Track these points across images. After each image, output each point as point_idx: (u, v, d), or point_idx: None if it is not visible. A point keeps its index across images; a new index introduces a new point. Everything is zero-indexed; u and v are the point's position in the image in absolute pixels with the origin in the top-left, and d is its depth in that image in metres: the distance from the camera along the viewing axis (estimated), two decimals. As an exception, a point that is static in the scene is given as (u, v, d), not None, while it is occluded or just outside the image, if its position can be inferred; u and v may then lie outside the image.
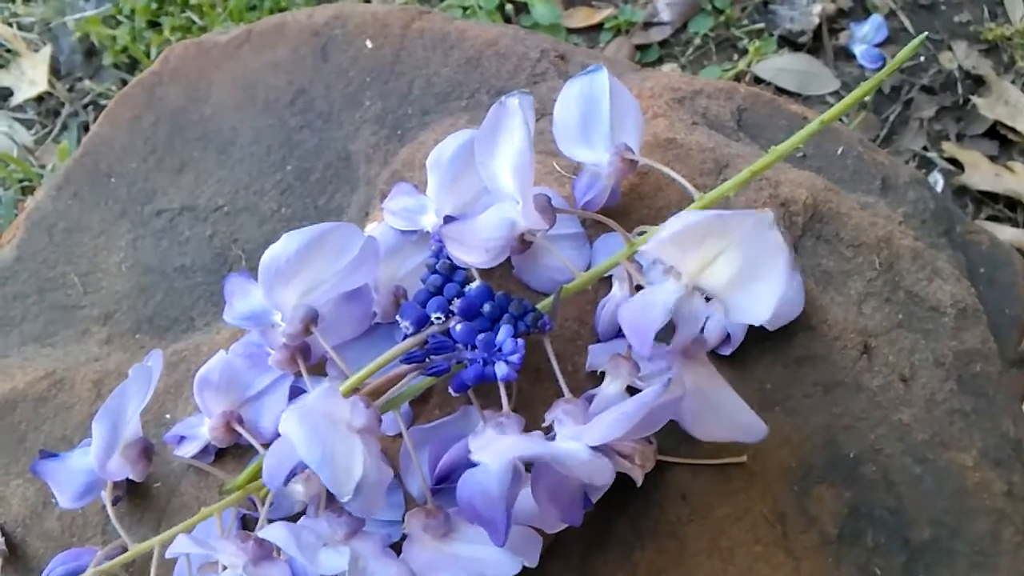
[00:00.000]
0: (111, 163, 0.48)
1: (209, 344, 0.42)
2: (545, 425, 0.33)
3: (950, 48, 0.93)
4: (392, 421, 0.36)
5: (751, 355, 0.39)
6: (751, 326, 0.38)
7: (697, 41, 0.93)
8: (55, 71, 0.91)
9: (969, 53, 0.92)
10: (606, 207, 0.40)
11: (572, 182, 0.40)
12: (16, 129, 0.89)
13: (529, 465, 0.32)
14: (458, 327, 0.33)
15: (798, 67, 0.91)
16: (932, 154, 0.89)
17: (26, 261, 0.46)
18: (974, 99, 0.90)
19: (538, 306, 0.35)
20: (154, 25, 0.91)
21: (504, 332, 0.33)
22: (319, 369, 0.38)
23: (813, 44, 0.93)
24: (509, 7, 0.91)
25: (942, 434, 0.39)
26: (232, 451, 0.39)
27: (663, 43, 0.93)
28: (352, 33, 0.49)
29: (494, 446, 0.31)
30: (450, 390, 0.34)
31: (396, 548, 0.34)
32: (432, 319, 0.34)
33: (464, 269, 0.36)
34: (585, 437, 0.30)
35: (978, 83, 0.92)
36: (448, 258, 0.35)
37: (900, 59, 0.33)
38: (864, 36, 0.92)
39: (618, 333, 0.38)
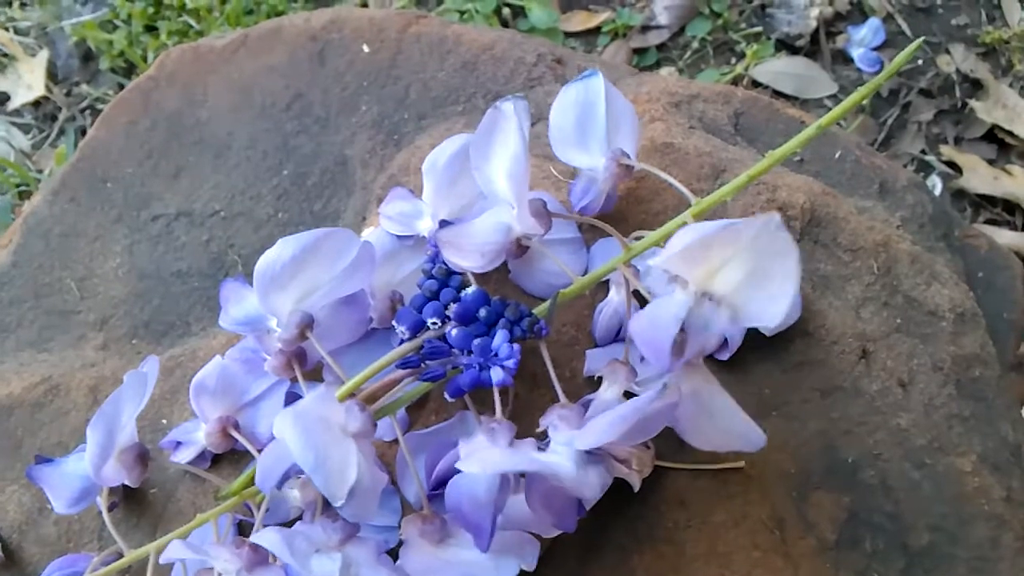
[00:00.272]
0: (107, 168, 0.48)
1: (205, 349, 0.42)
2: (540, 430, 0.33)
3: (948, 51, 0.93)
4: (388, 426, 0.36)
5: (749, 360, 0.39)
6: (748, 331, 0.38)
7: (695, 45, 0.93)
8: (52, 76, 0.91)
9: (967, 56, 0.92)
10: (603, 212, 0.39)
11: (568, 187, 0.40)
12: (13, 134, 0.89)
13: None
14: (454, 332, 0.33)
15: (796, 71, 0.91)
16: (930, 157, 0.89)
17: (22, 266, 0.46)
18: (972, 103, 0.90)
19: (535, 311, 0.35)
20: (151, 29, 0.91)
21: (500, 337, 0.33)
22: (315, 374, 0.38)
23: (811, 48, 0.93)
24: (506, 11, 0.92)
25: (941, 439, 0.39)
26: (228, 457, 0.39)
27: (660, 47, 0.93)
28: (349, 37, 0.49)
29: (480, 457, 0.30)
30: (446, 395, 0.34)
31: (393, 554, 0.34)
32: (428, 324, 0.34)
33: (460, 274, 0.35)
34: (579, 441, 0.30)
35: (976, 86, 0.92)
36: (444, 263, 0.35)
37: (898, 63, 0.33)
38: (862, 39, 0.92)
39: (615, 338, 0.38)
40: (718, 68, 0.92)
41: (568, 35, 0.92)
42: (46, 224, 0.47)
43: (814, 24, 0.93)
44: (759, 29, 0.93)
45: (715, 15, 0.94)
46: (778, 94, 0.89)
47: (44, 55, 0.91)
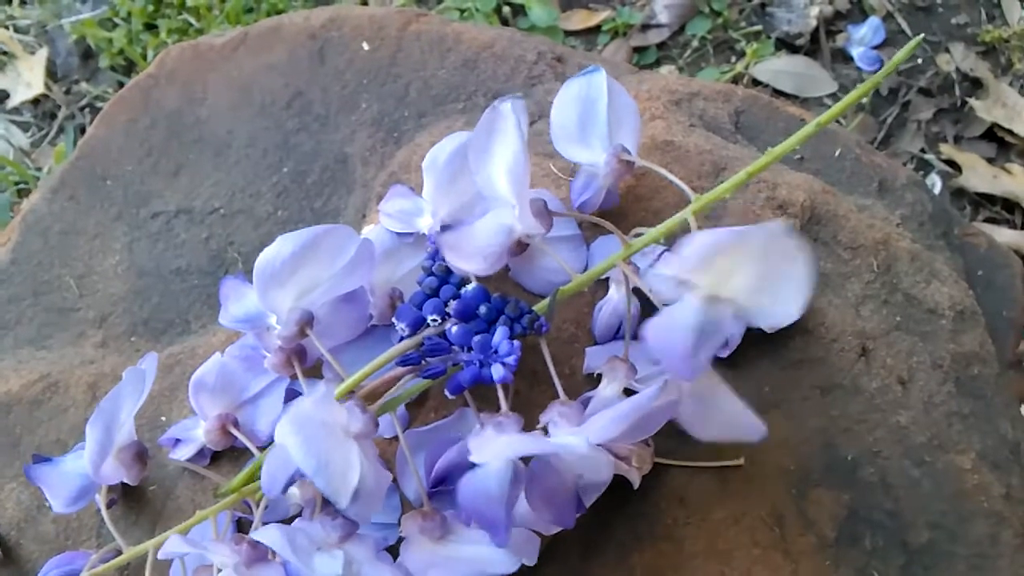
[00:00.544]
0: (107, 166, 0.48)
1: (205, 347, 0.42)
2: (540, 427, 0.33)
3: (947, 50, 0.93)
4: (388, 424, 0.36)
5: (749, 357, 0.39)
6: (748, 328, 0.38)
7: (695, 43, 0.93)
8: (51, 73, 0.91)
9: (967, 55, 0.92)
10: (603, 209, 0.39)
11: (569, 184, 0.40)
12: (12, 131, 0.89)
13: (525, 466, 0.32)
14: (454, 329, 0.33)
15: (796, 69, 0.91)
16: (930, 156, 0.89)
17: (21, 264, 0.46)
18: (971, 101, 0.90)
19: (535, 308, 0.35)
20: (151, 27, 0.91)
21: (500, 334, 0.33)
22: (315, 372, 0.38)
23: (811, 46, 0.93)
24: (506, 9, 0.91)
25: (940, 436, 0.39)
26: (228, 454, 0.39)
27: (661, 45, 0.93)
28: (348, 36, 0.49)
29: (493, 445, 0.30)
30: (446, 392, 0.34)
31: (393, 551, 0.34)
32: (428, 321, 0.34)
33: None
34: (587, 440, 0.30)
35: (976, 85, 0.92)
36: (444, 260, 0.35)
37: (896, 61, 0.33)
38: (862, 38, 0.92)
39: (615, 335, 0.38)
40: (718, 67, 0.92)
41: (568, 33, 0.92)
42: (45, 222, 0.47)
43: (814, 23, 0.93)
44: (759, 28, 0.93)
45: (715, 14, 0.94)
46: (778, 92, 0.89)
47: (43, 53, 0.91)
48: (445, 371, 0.34)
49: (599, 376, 0.36)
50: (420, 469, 0.35)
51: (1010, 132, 0.89)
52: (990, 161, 0.88)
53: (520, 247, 0.36)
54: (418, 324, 0.34)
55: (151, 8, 0.90)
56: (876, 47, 0.92)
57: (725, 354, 0.39)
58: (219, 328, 0.42)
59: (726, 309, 0.30)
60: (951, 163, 0.88)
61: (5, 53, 0.92)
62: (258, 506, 0.34)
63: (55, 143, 0.89)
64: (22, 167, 0.86)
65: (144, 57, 0.89)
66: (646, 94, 0.46)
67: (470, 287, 0.34)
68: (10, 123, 0.90)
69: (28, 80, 0.90)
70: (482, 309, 0.33)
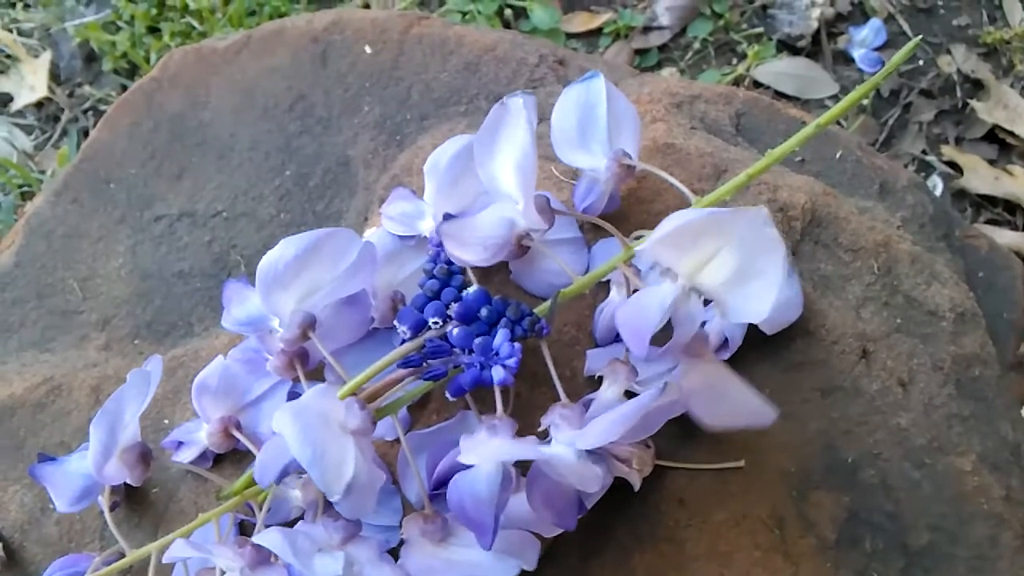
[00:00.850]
0: (110, 169, 0.48)
1: (208, 349, 0.42)
2: (541, 429, 0.33)
3: (949, 52, 0.93)
4: (390, 426, 0.36)
5: (749, 359, 0.39)
6: (749, 330, 0.38)
7: (696, 45, 0.93)
8: (55, 77, 0.92)
9: (968, 57, 0.92)
10: (605, 212, 0.40)
11: (571, 187, 0.40)
12: (16, 134, 0.89)
13: (525, 469, 0.32)
14: (455, 331, 0.33)
15: (797, 71, 0.91)
16: (931, 158, 0.89)
17: (25, 267, 0.46)
18: (973, 103, 0.90)
19: (536, 310, 0.35)
20: (154, 31, 0.91)
21: (501, 336, 0.33)
22: (317, 374, 0.38)
23: (812, 48, 0.93)
24: (508, 12, 0.92)
25: (940, 439, 0.39)
26: (230, 457, 0.39)
27: (662, 48, 0.93)
28: (351, 39, 0.49)
29: (483, 448, 0.30)
30: (447, 395, 0.34)
31: (394, 553, 0.34)
32: (430, 324, 0.34)
33: (462, 274, 0.36)
34: (581, 440, 0.30)
35: (977, 87, 0.92)
36: (446, 263, 0.35)
37: (895, 62, 0.33)
38: (863, 40, 0.92)
39: (616, 338, 0.38)
40: (719, 69, 0.92)
41: (570, 36, 0.93)
42: (49, 225, 0.47)
43: (815, 25, 0.93)
44: (760, 30, 0.94)
45: (716, 16, 0.94)
46: (779, 95, 0.89)
47: (47, 56, 0.92)
48: (446, 373, 0.34)
49: (600, 378, 0.36)
50: (421, 471, 0.35)
51: (1011, 134, 0.89)
52: (991, 163, 0.88)
53: (521, 249, 0.36)
54: (419, 326, 0.34)
55: (154, 11, 0.91)
56: (877, 49, 0.92)
57: (725, 356, 0.39)
58: (222, 331, 0.42)
59: (701, 299, 0.30)
60: (952, 165, 0.88)
61: (9, 56, 0.92)
62: (260, 509, 0.34)
63: (58, 146, 0.89)
64: (25, 170, 0.86)
65: (147, 60, 0.89)
66: (647, 97, 0.46)
67: (471, 290, 0.34)
68: (13, 126, 0.90)
69: (31, 83, 0.90)
70: (483, 311, 0.34)
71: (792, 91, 0.90)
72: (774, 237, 0.28)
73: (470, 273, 0.36)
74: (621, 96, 0.38)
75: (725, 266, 0.29)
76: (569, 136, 0.38)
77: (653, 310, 0.30)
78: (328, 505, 0.33)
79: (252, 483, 0.35)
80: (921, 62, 0.93)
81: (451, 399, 0.34)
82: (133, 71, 0.91)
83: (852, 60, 0.92)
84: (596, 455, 0.33)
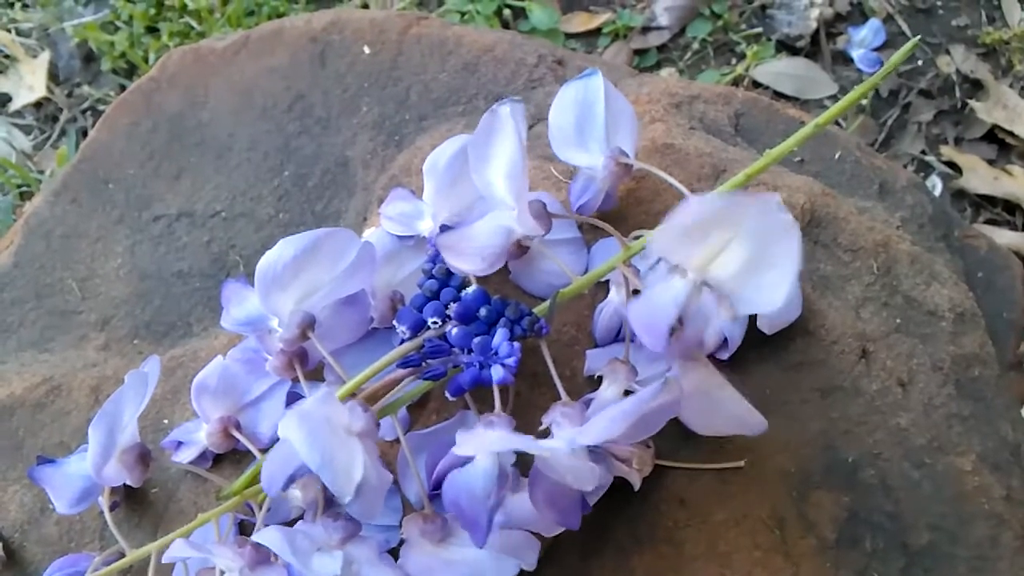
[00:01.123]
0: (109, 169, 0.48)
1: (207, 350, 0.42)
2: (542, 429, 0.33)
3: (948, 52, 0.93)
4: (389, 426, 0.36)
5: (749, 360, 0.39)
6: (749, 330, 0.38)
7: (695, 46, 0.93)
8: (53, 77, 0.92)
9: (967, 57, 0.92)
10: (603, 211, 0.40)
11: (568, 186, 0.40)
12: (14, 134, 0.89)
13: (526, 470, 0.32)
14: (454, 331, 0.33)
15: (796, 71, 0.91)
16: (930, 158, 0.89)
17: (24, 267, 0.46)
18: (972, 103, 0.90)
19: (535, 310, 0.35)
20: (152, 31, 0.91)
21: (500, 336, 0.33)
22: (316, 374, 0.38)
23: (811, 48, 0.93)
24: (507, 12, 0.92)
25: (940, 438, 0.39)
26: (230, 456, 0.39)
27: (661, 48, 0.93)
28: (350, 39, 0.49)
29: (478, 439, 0.30)
30: (447, 394, 0.34)
31: (394, 553, 0.34)
32: (429, 323, 0.34)
33: (461, 274, 0.36)
34: (581, 437, 0.30)
35: (976, 87, 0.92)
36: (445, 263, 0.35)
37: (894, 62, 0.33)
38: (862, 40, 0.92)
39: (616, 337, 0.38)
40: (718, 69, 0.92)
41: (569, 36, 0.93)
42: (47, 225, 0.47)
43: (814, 25, 0.93)
44: (759, 30, 0.94)
45: (715, 16, 0.94)
46: (778, 95, 0.90)
47: (45, 56, 0.92)
48: (445, 373, 0.34)
49: (600, 378, 0.36)
50: (421, 471, 0.35)
51: (1011, 134, 0.89)
52: (991, 163, 0.88)
53: (520, 249, 0.36)
54: (419, 326, 0.34)
55: (153, 11, 0.91)
56: (876, 49, 0.92)
57: (725, 356, 0.39)
58: (221, 331, 0.42)
59: (713, 293, 0.30)
60: (951, 165, 0.88)
61: (7, 56, 0.92)
62: (260, 509, 0.34)
63: (57, 146, 0.89)
64: (24, 170, 0.86)
65: (146, 60, 0.89)
66: (646, 97, 0.46)
67: (470, 290, 0.34)
68: (12, 126, 0.90)
69: (30, 83, 0.90)
70: (482, 311, 0.34)
71: (791, 91, 0.90)
72: (788, 222, 0.27)
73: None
74: (619, 95, 0.38)
75: (737, 257, 0.28)
76: (567, 133, 0.38)
77: (667, 307, 0.29)
78: (328, 505, 0.33)
79: (252, 483, 0.35)
80: (920, 62, 0.93)
81: (450, 399, 0.34)
82: (132, 71, 0.91)
83: (851, 60, 0.92)
84: (596, 454, 0.33)
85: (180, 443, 0.38)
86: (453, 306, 0.34)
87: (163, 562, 0.33)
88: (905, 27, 0.94)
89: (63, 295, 0.46)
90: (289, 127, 0.48)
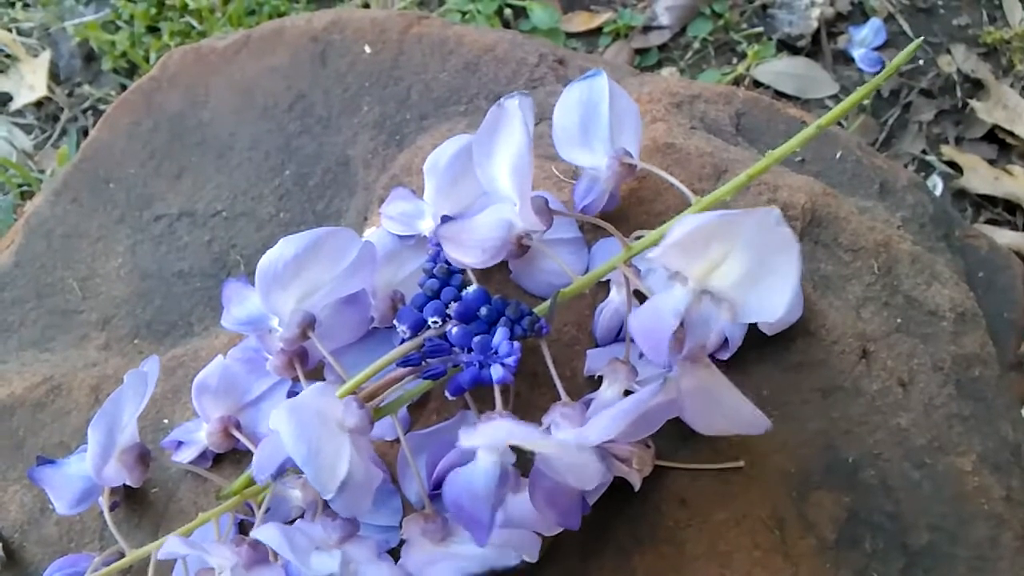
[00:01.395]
0: (110, 168, 0.48)
1: (207, 349, 0.42)
2: (542, 428, 0.33)
3: (949, 52, 0.93)
4: (390, 426, 0.36)
5: (749, 360, 0.39)
6: (749, 331, 0.38)
7: (696, 45, 0.93)
8: (54, 76, 0.92)
9: (968, 57, 0.92)
10: (605, 211, 0.40)
11: (571, 186, 0.40)
12: (15, 134, 0.89)
13: (526, 470, 0.32)
14: (455, 330, 0.33)
15: (797, 71, 0.91)
16: (931, 158, 0.89)
17: (24, 266, 0.46)
18: (973, 103, 0.90)
19: (535, 310, 0.35)
20: (153, 30, 0.91)
21: (500, 335, 0.33)
22: (317, 374, 0.38)
23: (812, 48, 0.93)
24: (508, 12, 0.92)
25: (941, 439, 0.39)
26: (230, 456, 0.39)
27: (662, 47, 0.93)
28: (350, 38, 0.49)
29: (484, 432, 0.30)
30: (447, 394, 0.34)
31: (395, 554, 0.34)
32: (429, 323, 0.34)
33: (461, 273, 0.36)
34: (582, 436, 0.30)
35: (977, 87, 0.92)
36: (446, 262, 0.35)
37: (896, 63, 0.33)
38: (863, 40, 0.92)
39: (616, 337, 0.38)
40: (719, 68, 0.92)
41: (570, 36, 0.93)
42: (48, 224, 0.47)
43: (815, 24, 0.93)
44: (760, 29, 0.94)
45: (716, 15, 0.94)
46: (779, 94, 0.89)
47: (46, 56, 0.92)
48: (446, 372, 0.34)
49: (600, 378, 0.36)
50: (421, 471, 0.35)
51: (1011, 134, 0.89)
52: (991, 163, 0.88)
53: (521, 248, 0.36)
54: (419, 326, 0.34)
55: (154, 11, 0.91)
56: (877, 48, 0.92)
57: (726, 356, 0.39)
58: (221, 330, 0.42)
59: (714, 302, 0.30)
60: (952, 165, 0.88)
61: (8, 56, 0.92)
62: (260, 508, 0.34)
63: (58, 145, 0.89)
64: (25, 169, 0.86)
65: (147, 60, 0.89)
66: (647, 96, 0.46)
67: (471, 289, 0.34)
68: (13, 125, 0.90)
69: (31, 82, 0.90)
70: (483, 311, 0.34)
71: (792, 91, 0.90)
72: (787, 236, 0.28)
73: (470, 272, 0.36)
74: (623, 94, 0.38)
75: (736, 268, 0.29)
76: (571, 134, 0.38)
77: (667, 316, 0.29)
78: (327, 505, 0.33)
79: (252, 483, 0.35)
80: (921, 62, 0.93)
81: (451, 398, 0.34)
82: (132, 70, 0.91)
83: (852, 60, 0.92)
84: (597, 454, 0.33)
85: (180, 443, 0.38)
86: (453, 305, 0.34)
87: (160, 560, 0.33)
88: (906, 27, 0.94)
89: (64, 294, 0.46)
90: (290, 126, 0.48)
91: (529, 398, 0.37)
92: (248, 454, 0.38)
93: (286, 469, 0.31)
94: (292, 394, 0.38)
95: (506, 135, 0.34)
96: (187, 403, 0.40)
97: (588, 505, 0.34)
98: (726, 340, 0.38)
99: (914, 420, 0.39)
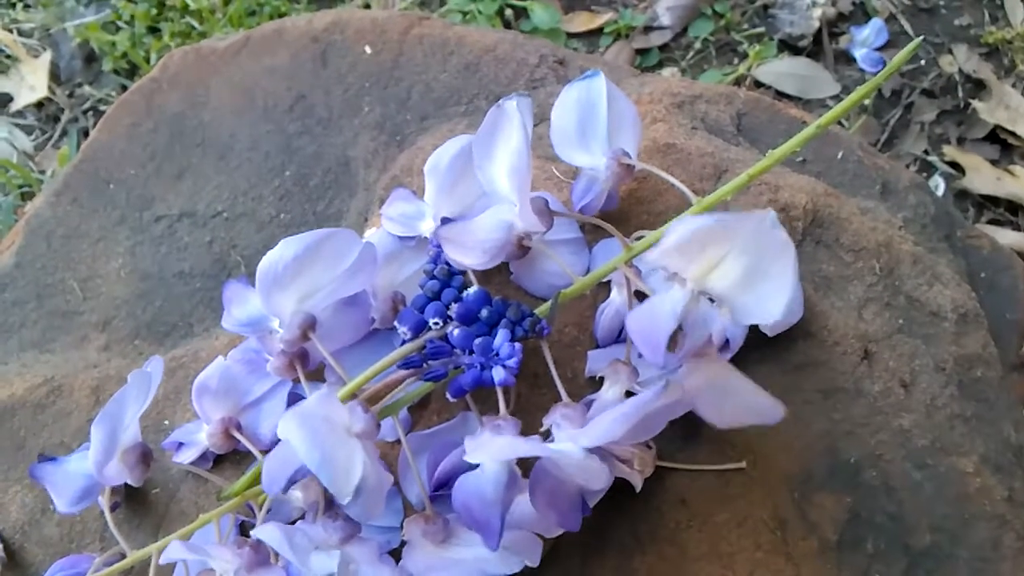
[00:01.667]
0: (110, 169, 0.48)
1: (208, 350, 0.42)
2: (543, 430, 0.33)
3: (951, 52, 0.93)
4: (391, 427, 0.36)
5: (751, 361, 0.39)
6: (750, 332, 0.38)
7: (697, 45, 0.93)
8: (55, 77, 0.92)
9: (970, 57, 0.92)
10: (605, 212, 0.40)
11: (571, 186, 0.40)
12: (16, 135, 0.89)
13: (526, 470, 0.32)
14: (456, 332, 0.33)
15: (798, 71, 0.91)
16: (933, 158, 0.89)
17: (25, 267, 0.46)
18: (975, 103, 0.90)
19: (536, 311, 0.35)
20: (153, 31, 0.91)
21: (502, 336, 0.33)
22: (317, 375, 0.38)
23: (813, 48, 0.93)
24: (508, 12, 0.92)
25: (942, 440, 0.39)
26: (230, 457, 0.39)
27: (663, 47, 0.93)
28: (351, 39, 0.49)
29: (489, 446, 0.30)
30: (448, 395, 0.34)
31: (396, 555, 0.34)
32: (430, 324, 0.34)
33: (462, 274, 0.36)
34: (583, 439, 0.30)
35: (979, 87, 0.92)
36: (446, 263, 0.35)
37: (896, 62, 0.33)
38: (864, 40, 0.92)
39: (617, 338, 0.38)
40: (720, 69, 0.92)
41: (570, 36, 0.93)
42: (49, 225, 0.47)
43: (817, 25, 0.93)
44: (761, 30, 0.93)
45: (718, 16, 0.94)
46: (781, 95, 0.89)
47: (47, 56, 0.92)
48: (447, 374, 0.34)
49: (601, 379, 0.36)
50: (422, 472, 0.35)
51: (1013, 134, 0.89)
52: (993, 163, 0.88)
53: (522, 249, 0.36)
54: (420, 327, 0.34)
55: (154, 12, 0.91)
56: (879, 49, 0.92)
57: (727, 357, 0.39)
58: (222, 331, 0.42)
59: (711, 303, 0.30)
60: (954, 165, 0.88)
61: (9, 56, 0.92)
62: (260, 509, 0.34)
63: (58, 146, 0.89)
64: (26, 170, 0.86)
65: (147, 60, 0.89)
66: (648, 97, 0.46)
67: (472, 290, 0.34)
68: (13, 126, 0.90)
69: (32, 83, 0.90)
70: (484, 312, 0.34)
71: (793, 91, 0.90)
72: (783, 239, 0.28)
73: (470, 274, 0.36)
74: (621, 95, 0.38)
75: (733, 270, 0.29)
76: (569, 134, 0.38)
77: (665, 317, 0.29)
78: (328, 506, 0.33)
79: (253, 484, 0.35)
80: (923, 62, 0.92)
81: (452, 400, 0.34)
82: (133, 71, 0.91)
83: (853, 60, 0.92)
84: (597, 455, 0.33)
85: (181, 444, 0.38)
86: (454, 307, 0.34)
87: (162, 563, 0.33)
88: (907, 27, 0.94)
89: (64, 295, 0.46)
90: (290, 127, 0.48)
91: (530, 399, 0.37)
92: (249, 455, 0.38)
93: (297, 479, 0.31)
94: (293, 395, 0.38)
95: (505, 136, 0.34)
96: (188, 404, 0.40)
97: (589, 506, 0.34)
98: (727, 341, 0.38)
99: (916, 421, 0.39)
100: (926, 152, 0.89)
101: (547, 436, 0.33)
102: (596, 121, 0.37)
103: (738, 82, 0.90)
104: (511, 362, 0.32)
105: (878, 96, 0.91)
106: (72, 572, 0.37)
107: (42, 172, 0.88)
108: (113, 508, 0.37)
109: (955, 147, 0.89)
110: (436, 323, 0.34)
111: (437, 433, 0.37)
